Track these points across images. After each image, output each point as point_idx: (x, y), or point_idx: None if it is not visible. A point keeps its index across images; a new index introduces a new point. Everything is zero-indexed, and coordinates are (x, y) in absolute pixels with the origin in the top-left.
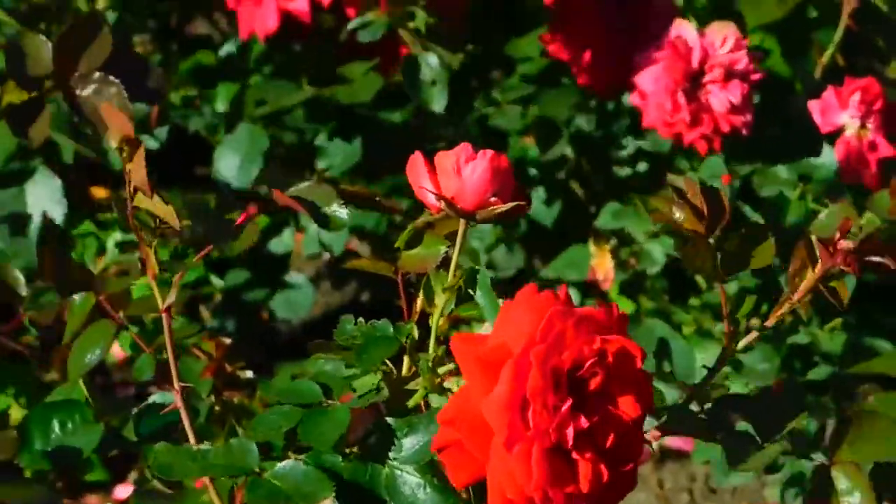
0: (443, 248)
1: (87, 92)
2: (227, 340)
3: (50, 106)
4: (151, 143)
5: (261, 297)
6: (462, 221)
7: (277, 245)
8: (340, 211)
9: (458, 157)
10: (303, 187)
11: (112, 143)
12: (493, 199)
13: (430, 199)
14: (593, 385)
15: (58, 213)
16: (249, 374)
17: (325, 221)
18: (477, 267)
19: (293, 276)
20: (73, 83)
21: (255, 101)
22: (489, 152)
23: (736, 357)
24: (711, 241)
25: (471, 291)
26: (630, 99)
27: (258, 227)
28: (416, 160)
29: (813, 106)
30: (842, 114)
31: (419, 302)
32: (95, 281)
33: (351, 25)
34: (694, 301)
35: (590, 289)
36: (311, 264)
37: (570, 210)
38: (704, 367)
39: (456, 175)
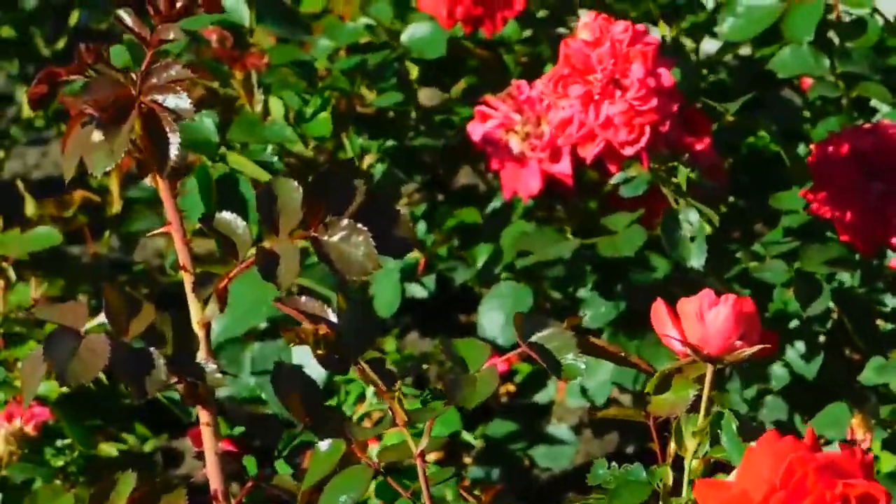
0: (691, 392)
1: (334, 238)
2: (497, 486)
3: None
4: (419, 292)
5: (522, 447)
6: (709, 366)
7: (542, 396)
8: (577, 362)
9: (701, 303)
10: (545, 334)
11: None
12: (738, 343)
13: (676, 345)
14: None
15: (320, 369)
16: None
17: (558, 370)
18: (722, 410)
19: (556, 429)
20: (320, 229)
21: (518, 251)
22: (731, 297)
23: None
24: None
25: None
26: (892, 262)
27: (497, 377)
28: (659, 308)
29: None
30: None
31: (671, 446)
32: (348, 427)
33: (613, 180)
34: None
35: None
36: (573, 412)
37: (832, 363)
38: None
39: (699, 321)
